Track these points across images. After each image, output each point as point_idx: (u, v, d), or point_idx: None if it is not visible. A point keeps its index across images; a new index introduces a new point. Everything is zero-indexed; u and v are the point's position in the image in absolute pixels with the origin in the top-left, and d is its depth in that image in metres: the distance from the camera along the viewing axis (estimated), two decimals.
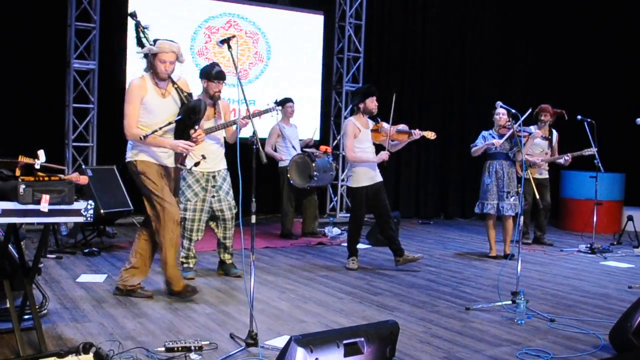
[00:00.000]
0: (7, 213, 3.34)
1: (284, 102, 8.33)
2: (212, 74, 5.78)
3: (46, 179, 3.47)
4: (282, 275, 6.23)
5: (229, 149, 6.00)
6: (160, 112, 4.83)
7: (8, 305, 3.79)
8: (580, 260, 7.65)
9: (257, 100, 9.67)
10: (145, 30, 4.82)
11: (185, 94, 4.88)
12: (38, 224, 3.83)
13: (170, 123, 4.76)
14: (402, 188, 11.32)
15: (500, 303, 5.17)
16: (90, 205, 3.56)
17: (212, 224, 6.06)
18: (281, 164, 8.35)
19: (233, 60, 3.95)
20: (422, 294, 5.67)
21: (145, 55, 4.83)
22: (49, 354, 3.56)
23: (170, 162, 5.02)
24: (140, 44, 4.84)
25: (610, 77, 12.22)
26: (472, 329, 4.61)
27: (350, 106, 10.51)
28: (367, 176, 6.53)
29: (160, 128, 4.72)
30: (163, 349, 3.85)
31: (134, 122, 4.78)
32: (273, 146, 8.46)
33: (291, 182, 8.20)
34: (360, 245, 7.94)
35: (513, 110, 5.30)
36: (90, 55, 8.56)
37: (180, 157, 5.04)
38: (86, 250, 6.81)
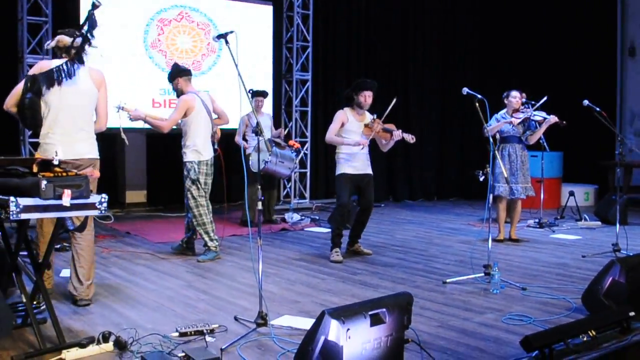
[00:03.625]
0: (28, 209, 3.41)
1: (254, 94, 8.40)
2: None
3: (64, 174, 3.56)
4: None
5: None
6: None
7: (22, 300, 3.89)
8: (531, 234, 8.14)
9: (210, 91, 9.75)
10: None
11: None
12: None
13: None
14: None
15: (473, 275, 5.55)
16: (104, 198, 3.67)
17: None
18: (248, 152, 8.35)
19: (232, 56, 4.09)
20: (398, 271, 5.99)
21: None
22: (71, 345, 3.67)
23: None
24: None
25: (552, 60, 12.79)
26: (454, 300, 4.95)
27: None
28: (349, 164, 6.47)
29: None
30: (176, 334, 4.00)
31: None
32: (242, 136, 8.43)
33: (250, 162, 8.09)
34: (322, 230, 8.23)
35: (479, 96, 5.62)
36: (43, 49, 8.43)
37: None
38: (57, 246, 6.80)
